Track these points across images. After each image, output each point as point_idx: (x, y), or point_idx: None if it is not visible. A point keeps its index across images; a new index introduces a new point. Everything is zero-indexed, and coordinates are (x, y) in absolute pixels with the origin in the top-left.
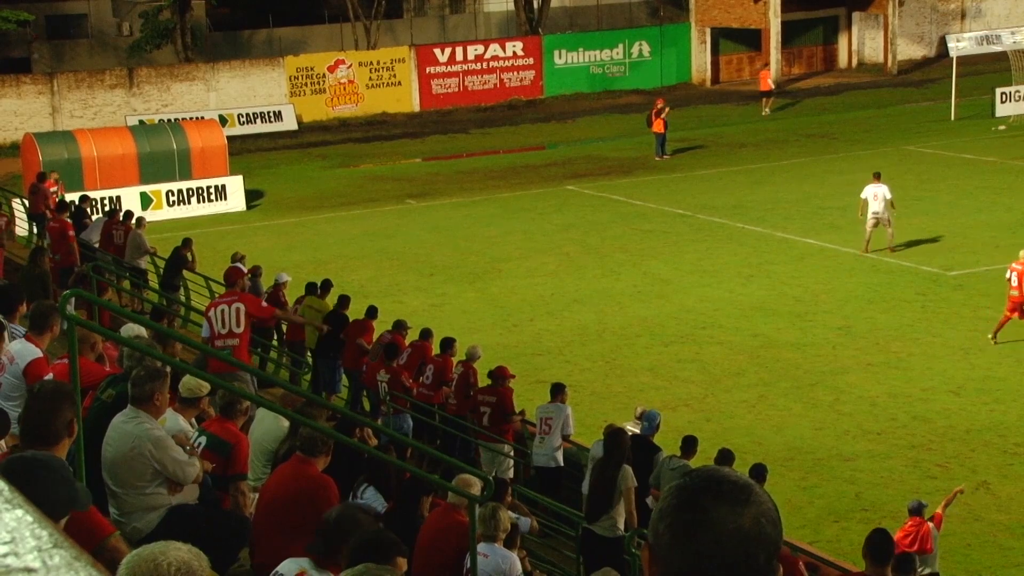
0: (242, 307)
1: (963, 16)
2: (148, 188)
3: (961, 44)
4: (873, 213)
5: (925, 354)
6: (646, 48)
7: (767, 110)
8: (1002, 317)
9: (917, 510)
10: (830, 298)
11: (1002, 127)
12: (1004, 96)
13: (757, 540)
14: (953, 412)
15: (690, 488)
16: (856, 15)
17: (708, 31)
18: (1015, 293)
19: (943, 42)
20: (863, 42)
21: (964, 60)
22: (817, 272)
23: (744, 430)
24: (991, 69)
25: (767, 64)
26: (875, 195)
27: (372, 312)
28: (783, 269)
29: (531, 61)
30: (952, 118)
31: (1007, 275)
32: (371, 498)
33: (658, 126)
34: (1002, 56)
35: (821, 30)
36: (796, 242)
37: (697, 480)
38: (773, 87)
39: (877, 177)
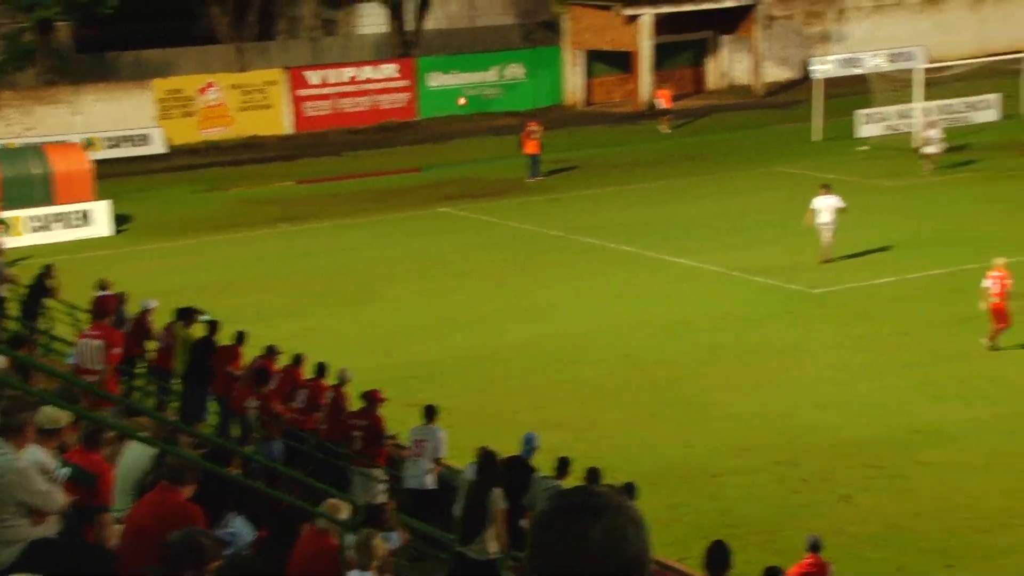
0: (104, 344)
1: (826, 40)
2: (7, 214)
3: (824, 67)
4: (822, 224)
5: (791, 371)
6: (519, 70)
7: (665, 128)
8: (993, 327)
9: (815, 546)
10: (700, 317)
11: (864, 148)
12: (865, 117)
13: (609, 552)
14: (817, 427)
15: (547, 509)
16: (724, 38)
17: (581, 54)
18: (996, 299)
19: (807, 65)
20: (732, 64)
21: (828, 82)
22: (688, 291)
23: (616, 449)
24: (853, 91)
25: (665, 83)
26: (825, 207)
27: (240, 338)
28: (655, 289)
29: (405, 83)
30: (817, 138)
31: (985, 283)
32: (239, 527)
33: (531, 148)
34: (863, 79)
35: (691, 53)
36: (668, 262)
37: (555, 500)
38: (669, 106)
39: (826, 188)
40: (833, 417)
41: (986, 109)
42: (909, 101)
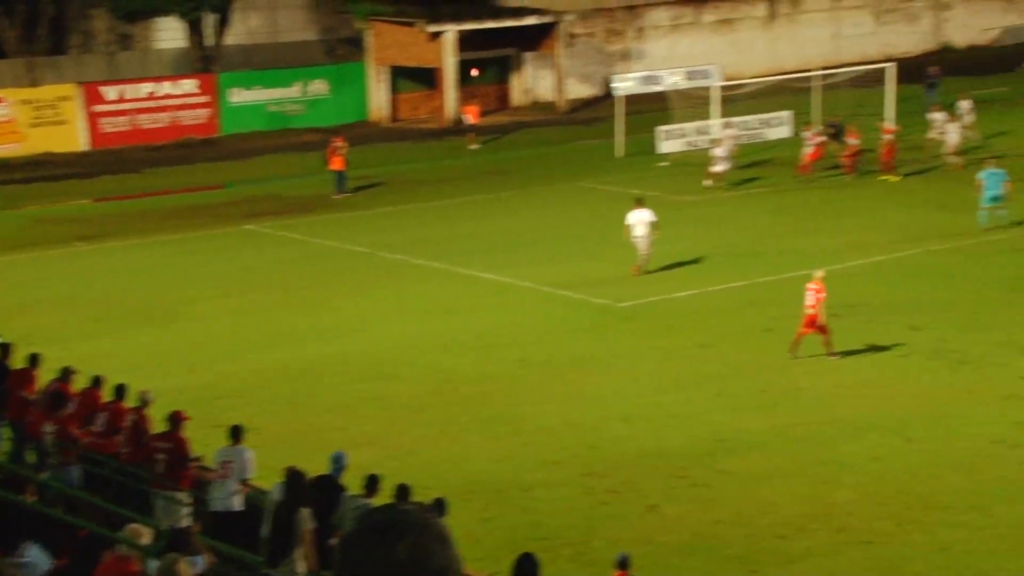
0: None
1: (627, 57)
2: None
3: (625, 84)
4: (636, 237)
5: (598, 384)
6: (323, 86)
7: (474, 144)
8: (796, 334)
9: (623, 564)
10: (509, 332)
11: (664, 163)
12: (665, 134)
13: (415, 570)
14: (623, 439)
15: (354, 528)
16: (528, 55)
17: (385, 70)
18: (811, 311)
19: (609, 82)
20: (536, 81)
21: (629, 99)
22: (497, 306)
23: (426, 465)
24: (653, 108)
25: (472, 99)
26: (638, 220)
27: (34, 360)
28: (464, 304)
29: (206, 99)
30: (620, 154)
31: (808, 297)
32: (35, 556)
33: (337, 164)
34: (663, 96)
35: (495, 70)
36: (476, 277)
37: (361, 519)
38: (477, 122)
39: (639, 203)
40: (639, 428)
41: (779, 126)
42: (707, 118)
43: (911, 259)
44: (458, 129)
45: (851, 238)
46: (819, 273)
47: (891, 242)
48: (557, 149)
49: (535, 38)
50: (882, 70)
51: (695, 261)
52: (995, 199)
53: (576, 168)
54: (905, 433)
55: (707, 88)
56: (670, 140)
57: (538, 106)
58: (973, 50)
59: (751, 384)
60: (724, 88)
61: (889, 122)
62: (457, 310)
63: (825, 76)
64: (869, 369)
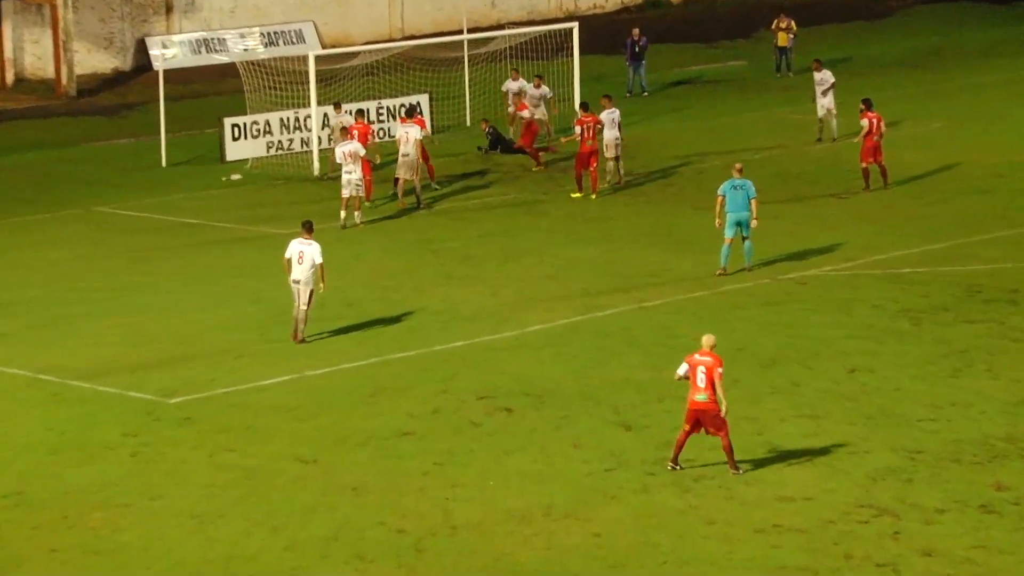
0: None
1: (170, 9)
2: None
3: (171, 52)
4: (295, 282)
5: (144, 527)
6: None
7: None
8: (678, 438)
9: None
10: None
11: (236, 176)
12: (236, 130)
13: None
14: None
15: None
16: (7, 6)
17: None
18: (700, 401)
19: (144, 48)
20: (21, 48)
21: (176, 75)
22: None
23: None
24: (216, 90)
25: None
26: (299, 254)
27: None
28: None
29: None
30: (164, 163)
31: (681, 370)
32: None
33: None
34: (231, 69)
35: None
36: None
37: None
38: None
39: (307, 229)
40: None
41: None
42: (300, 104)
43: (617, 319)
44: None
45: (523, 289)
46: (709, 340)
47: (586, 293)
48: (59, 155)
49: None
50: (563, 33)
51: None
52: (739, 224)
53: (96, 184)
54: None
55: (299, 58)
56: (243, 139)
57: (26, 86)
58: (692, 4)
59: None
60: (326, 58)
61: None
62: None
63: (480, 41)
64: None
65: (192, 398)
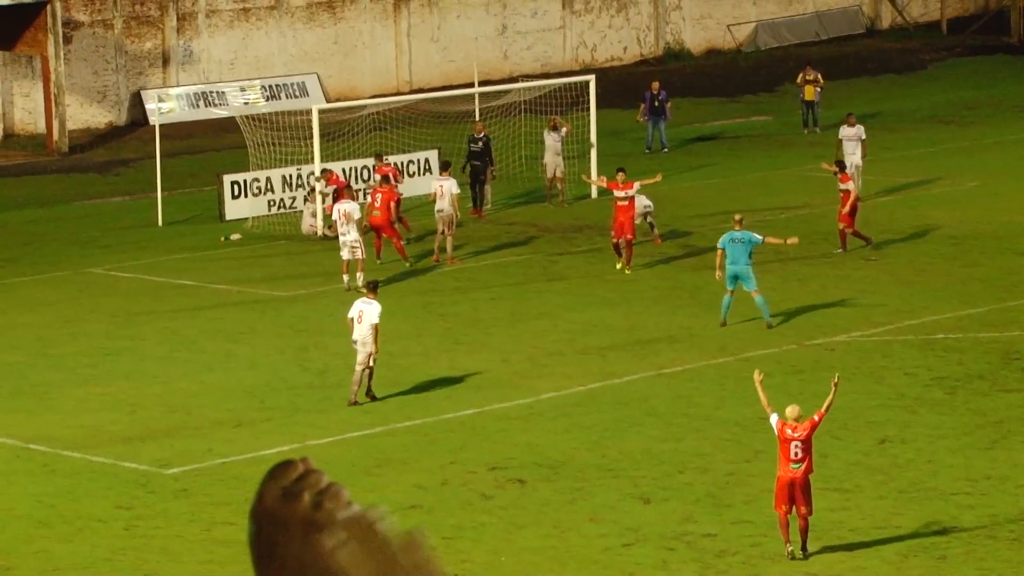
0: None
1: (167, 61)
2: None
3: (167, 106)
4: (356, 341)
5: None
6: None
7: None
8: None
9: None
10: None
11: (236, 236)
12: (236, 187)
13: None
14: None
15: None
16: None
17: None
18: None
19: (140, 101)
20: (11, 102)
21: (173, 130)
22: None
23: None
24: (215, 145)
25: None
26: (360, 313)
27: None
28: None
29: None
30: (160, 222)
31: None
32: None
33: None
34: (230, 124)
35: None
36: None
37: None
38: None
39: (371, 289)
40: None
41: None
42: (304, 161)
43: (635, 387)
44: None
45: (535, 355)
46: (794, 411)
47: (602, 359)
48: (49, 213)
49: (9, 29)
50: (579, 86)
51: (297, 395)
52: (737, 278)
53: (84, 245)
54: None
55: (303, 113)
56: (243, 197)
57: (15, 141)
58: (714, 55)
59: None
60: (331, 111)
61: (594, 175)
62: None
63: (492, 95)
64: None
65: (188, 469)
